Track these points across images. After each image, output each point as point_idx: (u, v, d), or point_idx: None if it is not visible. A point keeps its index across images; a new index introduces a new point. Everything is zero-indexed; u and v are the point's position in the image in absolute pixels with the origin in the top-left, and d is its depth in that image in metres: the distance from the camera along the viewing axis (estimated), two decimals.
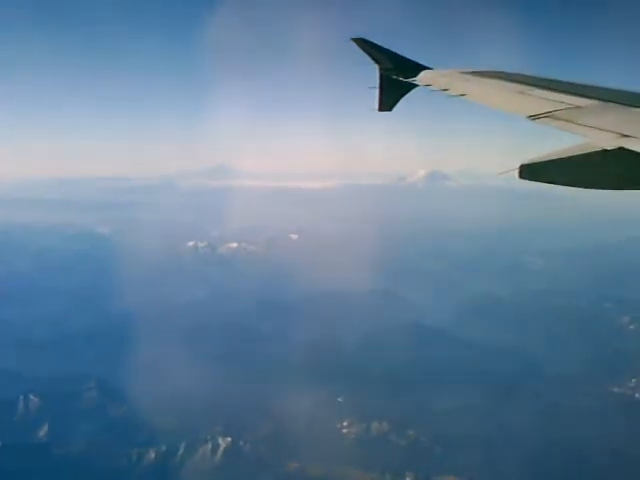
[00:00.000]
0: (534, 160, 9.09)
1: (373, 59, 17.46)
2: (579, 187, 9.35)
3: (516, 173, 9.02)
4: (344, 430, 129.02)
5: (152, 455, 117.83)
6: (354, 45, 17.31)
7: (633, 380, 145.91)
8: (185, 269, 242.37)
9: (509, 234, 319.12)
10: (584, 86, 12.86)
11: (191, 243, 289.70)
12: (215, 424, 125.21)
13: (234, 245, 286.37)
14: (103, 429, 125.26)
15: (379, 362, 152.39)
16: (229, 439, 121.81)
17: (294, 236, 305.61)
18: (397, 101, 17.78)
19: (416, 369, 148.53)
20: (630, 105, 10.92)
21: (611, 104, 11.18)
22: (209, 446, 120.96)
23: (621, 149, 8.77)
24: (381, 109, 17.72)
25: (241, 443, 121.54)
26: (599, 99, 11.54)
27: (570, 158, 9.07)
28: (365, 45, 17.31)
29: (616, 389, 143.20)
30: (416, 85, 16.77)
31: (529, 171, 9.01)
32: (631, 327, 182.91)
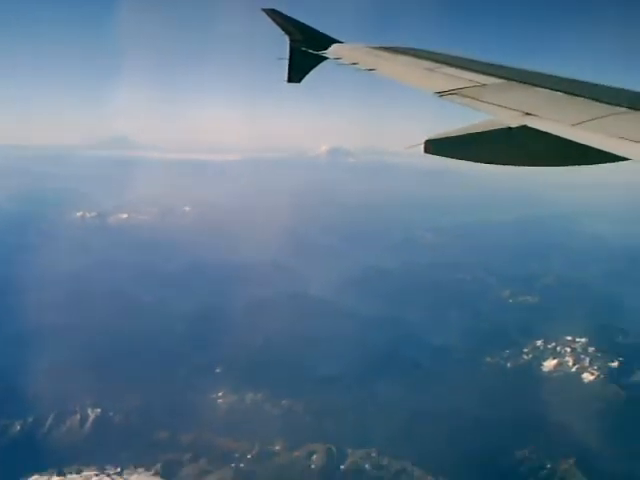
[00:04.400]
0: (439, 136, 9.24)
1: (283, 30, 16.97)
2: (482, 163, 9.49)
3: (421, 148, 9.09)
4: (219, 400, 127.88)
5: (17, 427, 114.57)
6: (265, 16, 16.76)
7: (507, 351, 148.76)
8: (71, 238, 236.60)
9: (405, 209, 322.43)
10: (491, 65, 12.92)
11: (79, 213, 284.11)
12: (86, 395, 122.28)
13: (125, 216, 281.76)
14: None
15: (261, 332, 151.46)
16: (99, 410, 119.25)
17: (188, 208, 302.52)
18: (306, 73, 17.41)
19: (297, 339, 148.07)
20: (534, 84, 11.04)
21: (516, 83, 11.31)
22: (78, 417, 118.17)
23: (525, 127, 8.94)
24: (290, 81, 17.35)
25: (111, 414, 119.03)
26: (505, 78, 11.65)
27: (475, 134, 9.22)
28: (275, 16, 16.84)
29: (489, 359, 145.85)
30: (326, 58, 16.39)
31: (434, 146, 9.15)
32: (510, 301, 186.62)
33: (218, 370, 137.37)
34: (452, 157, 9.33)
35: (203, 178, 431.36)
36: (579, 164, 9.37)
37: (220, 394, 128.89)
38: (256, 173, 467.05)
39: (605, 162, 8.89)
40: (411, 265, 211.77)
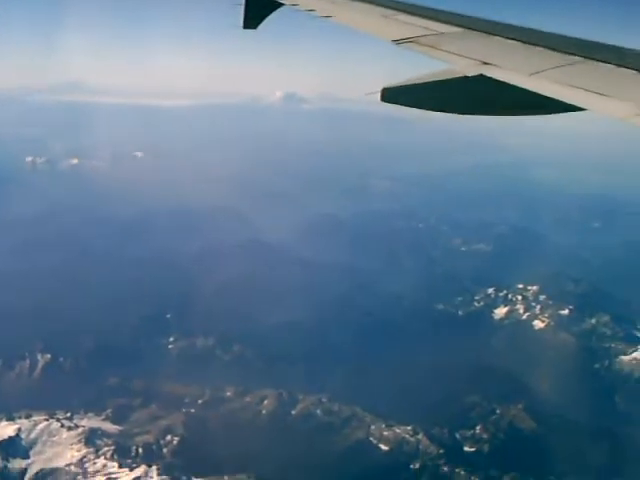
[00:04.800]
0: (396, 84, 9.09)
1: None
2: (439, 112, 9.39)
3: (378, 96, 8.93)
4: (170, 346, 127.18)
5: None
6: None
7: (459, 298, 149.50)
8: (20, 184, 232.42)
9: (361, 157, 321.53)
10: (449, 13, 12.62)
11: (29, 158, 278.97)
12: (35, 341, 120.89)
13: (75, 161, 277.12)
14: None
15: (213, 279, 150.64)
16: (48, 355, 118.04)
17: (140, 154, 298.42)
18: (262, 20, 16.62)
19: (249, 285, 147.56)
20: (492, 34, 10.90)
21: (474, 32, 11.13)
22: (27, 363, 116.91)
23: (482, 76, 8.82)
24: (246, 27, 16.54)
25: (61, 359, 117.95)
26: (463, 27, 11.46)
27: (432, 83, 9.08)
28: None
29: (441, 306, 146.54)
30: (282, 4, 15.55)
31: (391, 94, 9.00)
32: (463, 249, 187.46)
33: (169, 316, 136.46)
34: (409, 105, 9.29)
35: (155, 123, 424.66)
36: (536, 114, 9.34)
37: (171, 339, 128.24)
38: (209, 119, 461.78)
39: (561, 112, 8.87)
40: (366, 213, 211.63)
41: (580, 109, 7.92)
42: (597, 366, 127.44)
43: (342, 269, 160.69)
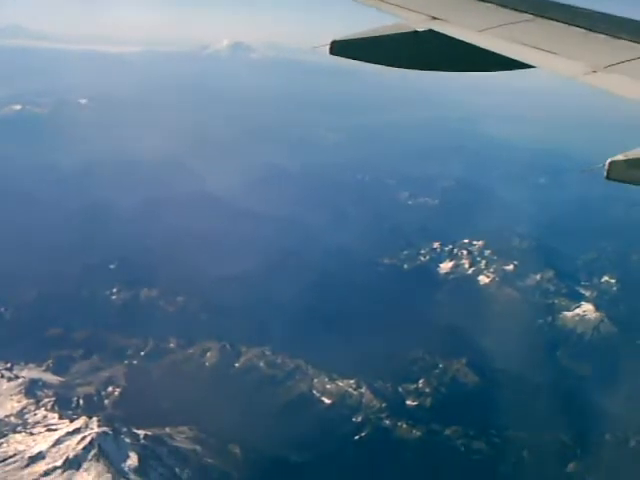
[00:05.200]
0: (346, 37, 9.08)
1: None
2: (388, 66, 9.42)
3: (327, 49, 8.95)
4: (113, 297, 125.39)
5: None
6: None
7: (405, 252, 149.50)
8: None
9: (307, 108, 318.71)
10: None
11: None
12: None
13: (18, 107, 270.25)
14: None
15: (156, 230, 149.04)
16: None
17: (84, 101, 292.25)
18: None
19: (194, 238, 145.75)
20: None
21: None
22: None
23: (431, 31, 8.92)
24: None
25: (2, 309, 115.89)
26: None
27: (381, 37, 9.10)
28: None
29: (387, 260, 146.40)
30: None
31: (340, 47, 8.96)
32: (409, 202, 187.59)
33: (112, 266, 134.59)
34: (357, 59, 9.23)
35: (101, 70, 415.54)
36: (485, 70, 9.24)
37: (114, 290, 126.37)
38: (155, 66, 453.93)
39: (511, 69, 8.83)
40: (312, 165, 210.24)
41: (529, 66, 7.93)
42: (540, 321, 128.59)
43: (288, 221, 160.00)
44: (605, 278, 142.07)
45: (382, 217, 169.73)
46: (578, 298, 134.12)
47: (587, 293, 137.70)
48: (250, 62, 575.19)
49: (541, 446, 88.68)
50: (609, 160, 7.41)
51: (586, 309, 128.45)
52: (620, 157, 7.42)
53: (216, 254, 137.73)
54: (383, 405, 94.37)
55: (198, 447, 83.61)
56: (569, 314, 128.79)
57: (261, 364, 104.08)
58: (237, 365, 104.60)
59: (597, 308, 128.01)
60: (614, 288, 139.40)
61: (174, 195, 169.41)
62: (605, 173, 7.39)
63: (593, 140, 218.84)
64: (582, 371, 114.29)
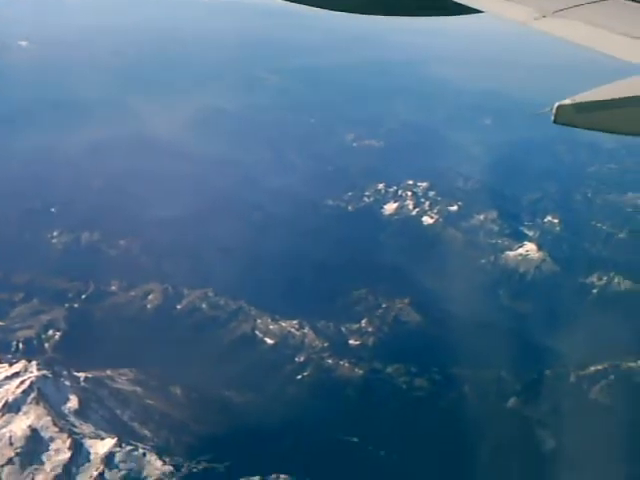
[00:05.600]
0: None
1: None
2: (339, 11, 9.57)
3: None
4: (53, 240, 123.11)
5: None
6: None
7: (349, 194, 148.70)
8: None
9: (252, 50, 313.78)
10: None
11: None
12: None
13: None
14: None
15: (98, 172, 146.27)
16: None
17: (24, 43, 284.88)
18: None
19: (135, 180, 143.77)
20: None
21: None
22: None
23: None
24: None
25: None
26: None
27: None
28: None
29: (331, 202, 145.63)
30: None
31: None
32: (353, 145, 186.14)
33: (53, 210, 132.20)
34: (308, 4, 9.43)
35: (42, 10, 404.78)
36: (436, 15, 9.42)
37: (55, 234, 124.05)
38: (99, 7, 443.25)
39: (461, 14, 8.93)
40: (255, 106, 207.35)
41: (479, 12, 7.98)
42: (483, 261, 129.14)
43: (230, 163, 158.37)
44: (548, 218, 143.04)
45: (326, 159, 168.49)
46: (521, 238, 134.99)
47: (530, 233, 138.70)
48: (190, 2, 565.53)
49: (482, 383, 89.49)
50: (557, 104, 7.59)
51: (529, 249, 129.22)
52: (567, 101, 7.58)
53: (158, 196, 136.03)
54: (326, 345, 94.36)
55: (139, 389, 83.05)
56: (512, 254, 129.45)
57: (203, 306, 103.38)
58: (179, 307, 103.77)
59: (540, 248, 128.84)
60: (557, 228, 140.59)
61: (114, 137, 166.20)
62: (553, 117, 7.52)
63: (541, 84, 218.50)
64: (524, 309, 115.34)
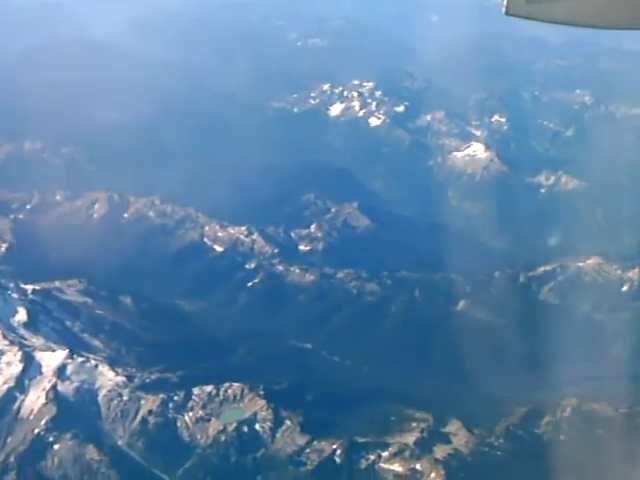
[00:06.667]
0: None
1: None
2: None
3: None
4: None
5: None
6: None
7: (294, 95, 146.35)
8: None
9: None
10: None
11: None
12: None
13: None
14: None
15: (39, 77, 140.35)
16: None
17: None
18: None
19: (77, 85, 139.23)
20: None
21: None
22: None
23: None
24: None
25: None
26: None
27: None
28: None
29: (276, 104, 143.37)
30: None
31: None
32: (298, 44, 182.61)
33: None
34: None
35: None
36: None
37: None
38: None
39: None
40: (197, 5, 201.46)
41: None
42: (431, 163, 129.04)
43: (174, 65, 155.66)
44: (496, 117, 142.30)
45: (270, 59, 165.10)
46: (468, 138, 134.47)
47: (477, 133, 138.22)
48: None
49: (432, 286, 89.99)
50: None
51: (476, 149, 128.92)
52: None
53: (101, 102, 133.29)
54: (276, 251, 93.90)
55: (89, 299, 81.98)
56: (459, 154, 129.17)
57: (150, 214, 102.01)
58: (126, 216, 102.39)
59: (487, 148, 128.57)
60: (504, 127, 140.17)
61: (56, 41, 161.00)
62: (504, 9, 7.40)
63: None
64: (472, 210, 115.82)
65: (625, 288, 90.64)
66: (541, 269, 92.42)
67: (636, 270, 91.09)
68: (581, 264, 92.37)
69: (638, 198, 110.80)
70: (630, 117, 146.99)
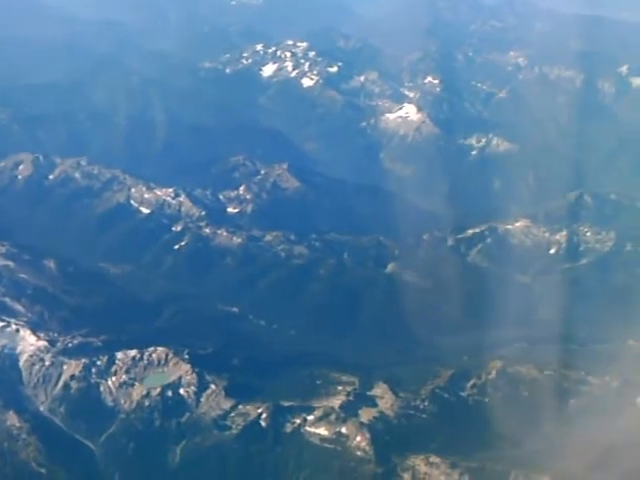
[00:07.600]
0: None
1: None
2: None
3: None
4: None
5: None
6: None
7: (226, 55, 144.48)
8: None
9: None
10: None
11: None
12: None
13: None
14: None
15: None
16: None
17: None
18: None
19: (8, 44, 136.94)
20: None
21: None
22: None
23: None
24: None
25: None
26: None
27: None
28: None
29: (208, 64, 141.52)
30: None
31: None
32: (232, 3, 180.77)
33: None
34: None
35: None
36: None
37: None
38: None
39: None
40: None
41: None
42: (364, 124, 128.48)
43: (104, 25, 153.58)
44: (429, 79, 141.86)
45: (202, 18, 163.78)
46: (401, 99, 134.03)
47: (410, 94, 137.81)
48: None
49: (361, 249, 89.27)
50: None
51: (409, 110, 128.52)
52: None
53: (29, 61, 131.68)
54: (203, 213, 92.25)
55: (11, 263, 79.53)
56: (392, 116, 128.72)
57: (76, 175, 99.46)
58: (51, 177, 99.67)
59: (420, 109, 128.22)
60: (437, 89, 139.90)
61: None
62: None
63: None
64: (404, 172, 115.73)
65: (553, 251, 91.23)
66: (470, 231, 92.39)
67: (564, 232, 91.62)
68: (509, 226, 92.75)
69: (568, 161, 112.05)
70: (563, 79, 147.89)
